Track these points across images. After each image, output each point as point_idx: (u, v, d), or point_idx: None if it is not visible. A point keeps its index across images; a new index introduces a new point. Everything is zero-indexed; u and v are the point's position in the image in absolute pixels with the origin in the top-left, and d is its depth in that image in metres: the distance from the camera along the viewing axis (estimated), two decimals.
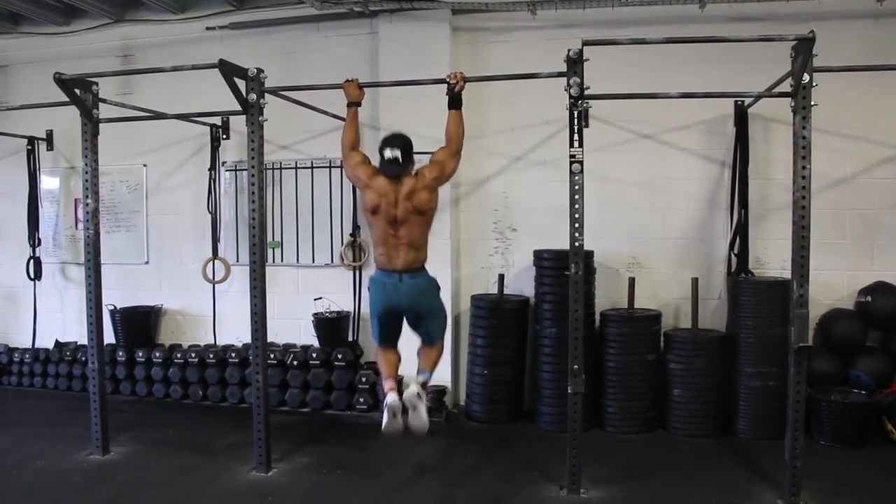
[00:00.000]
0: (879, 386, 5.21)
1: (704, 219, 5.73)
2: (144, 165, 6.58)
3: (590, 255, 5.49)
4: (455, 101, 4.35)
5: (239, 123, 6.15)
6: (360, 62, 6.00)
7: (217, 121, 6.22)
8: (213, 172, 6.33)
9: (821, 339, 5.50)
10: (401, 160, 4.06)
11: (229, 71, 4.30)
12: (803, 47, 3.84)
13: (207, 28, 6.27)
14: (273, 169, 6.19)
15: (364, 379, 5.86)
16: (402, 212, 4.03)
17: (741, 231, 5.56)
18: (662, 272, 5.75)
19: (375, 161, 4.17)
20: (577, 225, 4.15)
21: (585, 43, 3.92)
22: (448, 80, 4.36)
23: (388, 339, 4.27)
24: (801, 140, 4.05)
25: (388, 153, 4.06)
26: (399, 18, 5.83)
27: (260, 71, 4.47)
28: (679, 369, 5.28)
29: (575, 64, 4.07)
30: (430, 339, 4.25)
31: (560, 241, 5.68)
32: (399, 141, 4.12)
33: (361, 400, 5.84)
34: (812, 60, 3.90)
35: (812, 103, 4.02)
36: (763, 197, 5.61)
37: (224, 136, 6.34)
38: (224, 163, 6.40)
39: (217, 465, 4.73)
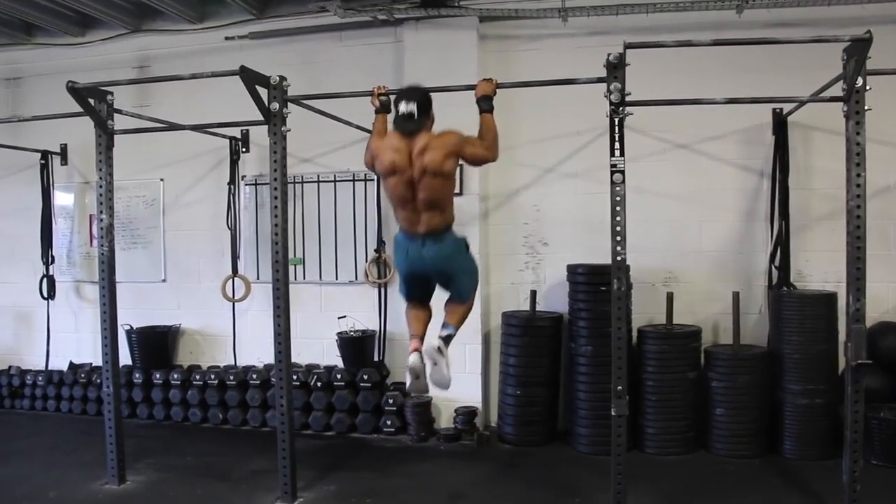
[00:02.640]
0: None
1: (743, 231, 5.52)
2: (161, 180, 6.39)
3: (624, 269, 5.29)
4: (483, 104, 4.16)
5: (259, 136, 6.07)
6: (384, 71, 5.81)
7: (237, 133, 6.04)
8: (232, 187, 6.14)
9: (867, 354, 5.29)
10: (416, 115, 3.83)
11: (251, 78, 4.12)
12: (858, 49, 3.65)
13: (227, 38, 6.11)
14: (294, 183, 5.99)
15: (391, 401, 5.64)
16: (417, 171, 3.77)
17: (782, 243, 5.35)
18: (700, 286, 5.54)
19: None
20: (618, 238, 3.94)
21: (628, 46, 3.73)
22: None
23: (417, 297, 4.08)
24: (854, 146, 3.85)
25: (402, 107, 3.86)
26: (425, 26, 5.66)
27: (283, 79, 4.29)
28: (721, 387, 5.06)
29: (615, 69, 3.87)
30: (460, 297, 4.02)
31: (593, 255, 5.54)
32: (415, 94, 3.93)
33: (388, 423, 5.62)
34: (866, 63, 3.72)
35: (866, 108, 3.83)
36: (803, 207, 5.41)
37: (244, 150, 6.17)
38: (244, 177, 6.22)
39: (240, 494, 4.51)
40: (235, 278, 6.18)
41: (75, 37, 6.45)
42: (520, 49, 5.75)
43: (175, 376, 6.08)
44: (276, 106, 4.24)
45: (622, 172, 3.92)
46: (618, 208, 3.93)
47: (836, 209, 5.33)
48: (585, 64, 5.23)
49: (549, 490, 4.56)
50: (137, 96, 6.11)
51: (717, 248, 5.56)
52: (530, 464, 5.05)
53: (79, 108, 4.52)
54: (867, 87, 3.77)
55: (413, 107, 3.84)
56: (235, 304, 6.20)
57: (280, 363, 4.31)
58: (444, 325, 3.95)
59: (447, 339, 3.87)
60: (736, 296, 5.25)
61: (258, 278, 6.17)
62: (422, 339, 3.99)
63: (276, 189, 4.30)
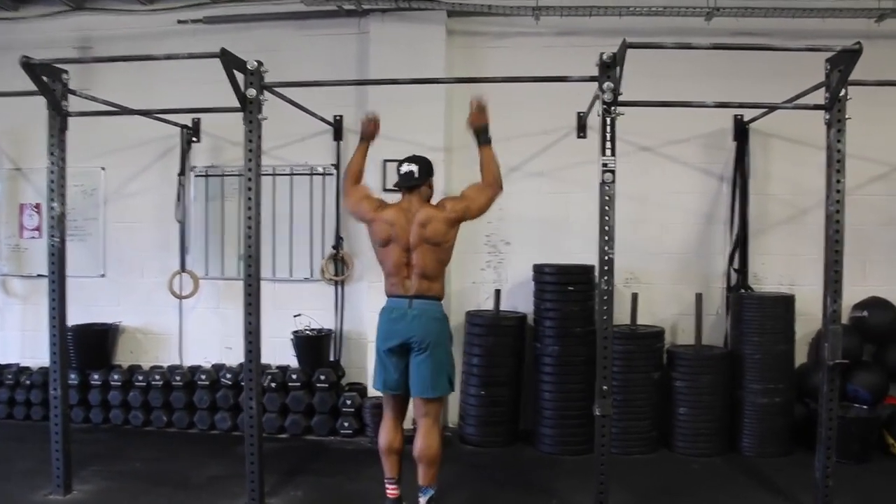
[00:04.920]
0: (876, 400, 5.20)
1: (702, 233, 5.63)
2: (103, 168, 5.98)
3: (590, 269, 5.28)
4: (480, 137, 4.08)
5: (211, 126, 5.84)
6: (346, 63, 5.70)
7: (189, 122, 5.73)
8: (182, 178, 5.81)
9: (817, 355, 5.49)
10: (416, 174, 3.88)
11: (230, 62, 3.91)
12: (845, 59, 3.76)
13: (179, 21, 5.77)
14: None
15: (349, 402, 5.46)
16: (414, 239, 3.79)
17: (741, 246, 5.50)
18: (660, 287, 5.61)
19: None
20: (606, 238, 3.91)
21: (629, 45, 3.70)
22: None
23: (391, 382, 3.85)
24: (835, 154, 3.96)
25: (404, 167, 3.94)
26: (392, 18, 5.52)
27: (260, 64, 4.10)
28: (684, 387, 5.13)
29: (608, 68, 3.86)
30: (425, 391, 3.78)
31: (556, 255, 5.55)
32: (417, 158, 4.03)
33: (346, 424, 5.45)
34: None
35: (847, 116, 3.95)
36: (760, 212, 5.56)
37: (195, 139, 5.84)
38: (194, 167, 5.89)
39: (202, 502, 4.23)
40: (183, 274, 5.85)
41: (7, 11, 5.94)
42: (487, 46, 5.68)
43: (115, 377, 5.69)
44: (252, 92, 4.02)
45: (612, 172, 3.89)
46: (607, 208, 3.89)
47: (792, 214, 5.58)
48: (554, 63, 5.29)
49: (523, 492, 4.49)
50: (78, 78, 5.62)
51: (677, 250, 5.65)
52: (497, 465, 4.97)
53: (14, 88, 4.19)
54: (849, 97, 3.89)
55: (414, 167, 3.91)
56: (182, 301, 5.87)
57: (250, 363, 4.09)
58: (421, 491, 3.83)
59: None
60: (699, 297, 5.34)
61: (207, 274, 5.88)
62: (398, 481, 3.91)
63: (250, 180, 4.08)
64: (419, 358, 3.78)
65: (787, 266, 5.55)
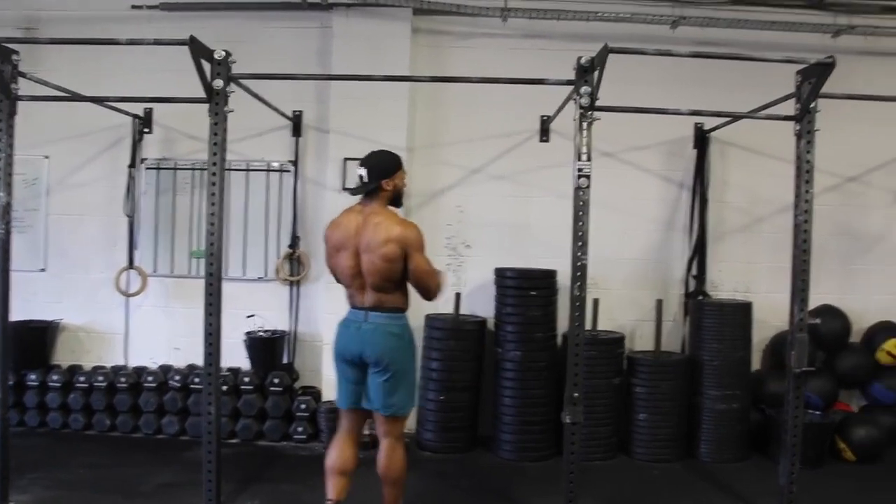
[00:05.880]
0: (827, 406, 5.34)
1: (662, 240, 5.68)
2: (46, 157, 5.66)
3: (553, 274, 5.29)
4: None
5: (163, 116, 5.62)
6: (308, 57, 5.55)
7: (140, 112, 5.48)
8: (133, 170, 5.55)
9: (772, 361, 5.60)
10: (366, 178, 3.56)
11: (198, 51, 3.74)
12: (818, 71, 3.81)
13: (133, 6, 5.50)
14: (202, 170, 5.52)
15: (303, 406, 5.30)
16: (363, 247, 3.50)
17: (699, 253, 5.56)
18: (618, 293, 5.62)
19: None
20: (580, 243, 3.88)
21: (611, 50, 3.68)
22: None
23: (343, 394, 3.65)
24: (805, 164, 4.04)
25: (357, 171, 3.63)
26: (356, 14, 5.40)
27: (228, 54, 3.93)
28: (644, 393, 5.14)
29: (586, 73, 3.83)
30: (381, 409, 3.54)
31: (517, 258, 5.51)
32: (368, 158, 3.63)
33: (300, 429, 5.28)
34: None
35: (816, 128, 4.02)
36: (717, 220, 5.64)
37: (146, 130, 5.59)
38: (144, 159, 5.63)
39: None
40: (131, 270, 5.58)
41: None
42: (452, 45, 5.61)
43: (54, 378, 5.37)
44: (219, 83, 3.85)
45: (588, 177, 3.86)
46: (581, 213, 3.86)
47: (748, 222, 5.68)
48: (519, 65, 5.28)
49: (489, 499, 4.43)
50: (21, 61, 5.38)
51: (636, 256, 5.67)
52: (458, 471, 4.88)
53: None
54: (818, 110, 3.96)
55: (363, 170, 3.58)
56: (129, 298, 5.61)
57: (210, 366, 3.91)
58: None
59: None
60: (659, 303, 5.37)
61: (155, 271, 5.62)
62: (337, 495, 3.61)
63: (214, 175, 3.89)
64: (375, 375, 3.54)
65: (742, 273, 5.64)
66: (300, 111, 5.59)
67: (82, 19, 5.53)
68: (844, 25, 5.41)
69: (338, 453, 3.66)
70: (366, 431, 4.06)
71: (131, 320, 5.67)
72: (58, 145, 5.64)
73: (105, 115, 5.25)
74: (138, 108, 5.42)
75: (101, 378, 5.37)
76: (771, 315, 5.50)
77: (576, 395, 3.86)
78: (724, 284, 5.64)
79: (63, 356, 5.71)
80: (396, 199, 3.72)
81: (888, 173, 5.68)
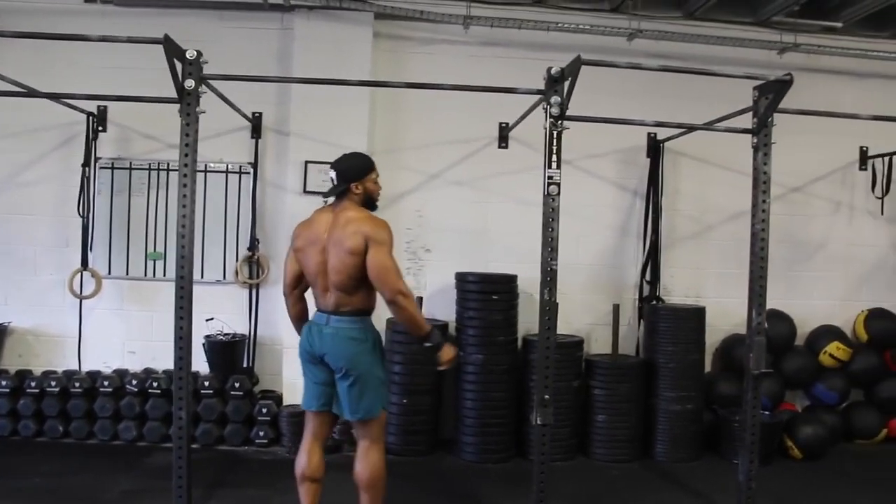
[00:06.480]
0: (774, 406, 5.61)
1: (616, 246, 5.84)
2: None
3: (514, 278, 5.39)
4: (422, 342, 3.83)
5: (118, 115, 5.50)
6: (267, 59, 5.51)
7: (94, 110, 5.35)
8: (87, 169, 5.39)
9: (721, 364, 5.82)
10: (335, 181, 3.56)
11: (172, 51, 3.70)
12: (775, 87, 3.99)
13: (86, 0, 5.38)
14: (158, 170, 5.47)
15: (265, 410, 5.26)
16: (329, 245, 3.48)
17: (653, 259, 5.73)
18: (574, 297, 5.74)
19: None
20: (550, 249, 4.01)
21: (584, 63, 3.78)
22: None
23: (307, 397, 3.64)
24: (762, 175, 4.22)
25: (329, 173, 3.61)
26: (318, 16, 5.38)
27: (199, 55, 3.89)
28: (602, 395, 5.29)
29: (556, 83, 3.93)
30: (349, 414, 3.53)
31: (476, 263, 5.61)
32: (338, 162, 3.62)
33: (262, 433, 5.25)
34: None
35: (773, 141, 4.21)
36: (669, 227, 5.83)
37: (100, 128, 5.44)
38: (99, 158, 5.49)
39: None
40: (85, 272, 5.44)
41: None
42: (412, 51, 5.65)
43: (2, 383, 5.20)
44: (191, 84, 3.81)
45: (558, 185, 3.98)
46: (551, 219, 3.97)
47: (698, 230, 5.89)
48: (479, 72, 5.40)
49: (457, 500, 4.50)
50: None
51: (592, 261, 5.82)
52: (421, 474, 4.93)
53: None
54: (774, 123, 4.15)
55: (333, 174, 3.57)
56: (82, 301, 5.46)
57: (181, 370, 3.87)
58: None
59: None
60: (616, 308, 5.53)
61: (110, 273, 5.49)
62: None
63: (185, 176, 3.87)
64: (340, 381, 3.53)
65: (693, 279, 5.85)
66: (259, 113, 5.54)
67: (32, 12, 5.34)
68: (790, 43, 5.67)
69: (307, 459, 3.63)
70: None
71: (84, 323, 5.51)
72: (4, 142, 5.46)
73: (56, 111, 5.12)
74: (91, 106, 5.28)
75: (53, 383, 5.20)
76: (721, 319, 5.74)
77: (546, 397, 3.96)
78: (675, 290, 5.84)
79: (10, 360, 5.52)
80: (368, 202, 3.69)
81: (829, 184, 5.99)
